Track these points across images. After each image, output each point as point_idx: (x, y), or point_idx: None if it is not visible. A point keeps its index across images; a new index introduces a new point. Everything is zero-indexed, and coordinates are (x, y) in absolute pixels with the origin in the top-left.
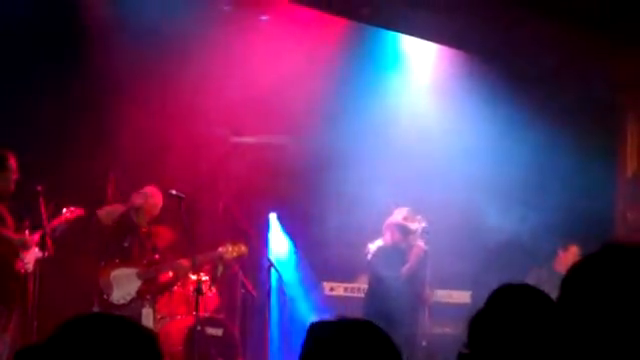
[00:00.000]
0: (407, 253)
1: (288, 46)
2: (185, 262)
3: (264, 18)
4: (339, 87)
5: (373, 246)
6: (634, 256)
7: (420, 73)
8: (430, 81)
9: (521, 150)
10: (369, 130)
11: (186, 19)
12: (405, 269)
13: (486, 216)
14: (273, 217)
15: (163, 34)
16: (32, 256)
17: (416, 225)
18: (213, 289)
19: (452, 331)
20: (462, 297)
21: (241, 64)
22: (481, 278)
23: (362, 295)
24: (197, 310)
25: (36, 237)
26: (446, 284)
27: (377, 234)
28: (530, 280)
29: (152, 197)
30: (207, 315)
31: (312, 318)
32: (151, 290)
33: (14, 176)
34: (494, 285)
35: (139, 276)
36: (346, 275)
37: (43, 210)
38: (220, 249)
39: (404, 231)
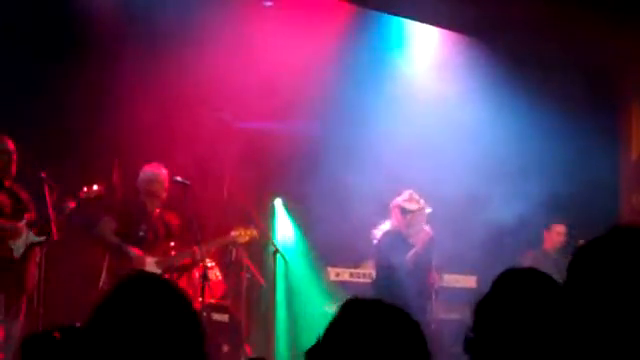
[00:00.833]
0: (413, 238)
1: (292, 32)
2: (197, 248)
3: (268, 4)
4: (343, 72)
5: (379, 232)
6: None
7: (423, 57)
8: (432, 65)
9: (525, 133)
10: (373, 115)
11: (189, 5)
12: (411, 254)
13: (491, 200)
14: (278, 203)
15: (165, 21)
16: (22, 242)
17: (415, 205)
18: (219, 275)
19: (458, 316)
20: (468, 281)
21: (245, 50)
22: (487, 262)
23: (368, 280)
24: (203, 296)
25: (26, 218)
26: (452, 268)
27: (382, 219)
28: (526, 263)
29: (159, 174)
30: (213, 301)
31: (317, 304)
32: (172, 278)
33: (12, 157)
34: (500, 269)
35: (159, 265)
36: (352, 260)
37: (47, 196)
38: (232, 233)
39: (403, 211)
